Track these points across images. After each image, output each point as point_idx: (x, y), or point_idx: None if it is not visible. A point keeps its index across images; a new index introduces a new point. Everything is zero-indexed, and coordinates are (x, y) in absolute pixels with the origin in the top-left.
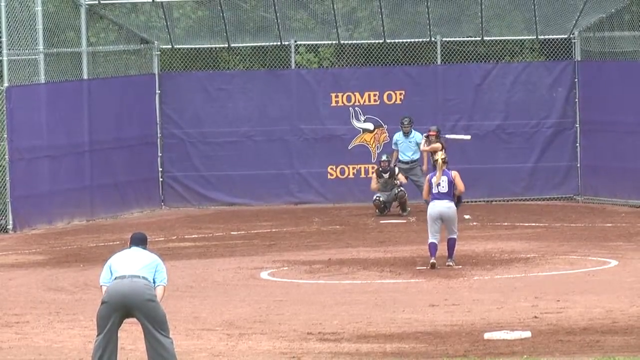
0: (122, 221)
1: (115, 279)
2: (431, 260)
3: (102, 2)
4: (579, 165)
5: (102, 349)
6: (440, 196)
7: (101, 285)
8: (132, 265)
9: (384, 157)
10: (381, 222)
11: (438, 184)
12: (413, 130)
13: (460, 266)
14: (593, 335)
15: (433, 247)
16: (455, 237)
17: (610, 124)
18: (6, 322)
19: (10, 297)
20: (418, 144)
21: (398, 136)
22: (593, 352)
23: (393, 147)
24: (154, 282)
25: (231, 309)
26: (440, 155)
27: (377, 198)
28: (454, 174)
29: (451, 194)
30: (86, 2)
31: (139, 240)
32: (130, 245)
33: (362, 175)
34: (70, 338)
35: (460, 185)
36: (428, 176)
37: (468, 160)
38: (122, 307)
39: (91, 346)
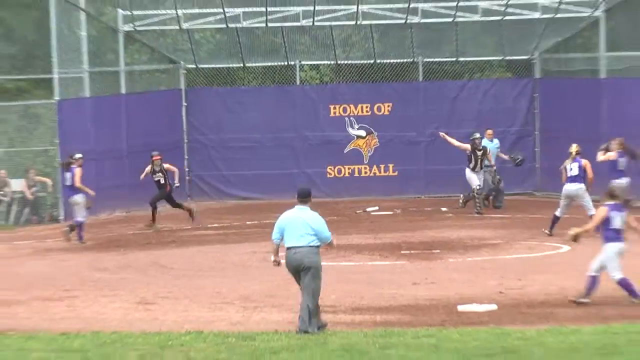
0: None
1: (288, 248)
2: (545, 230)
3: (137, 28)
4: (537, 166)
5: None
6: (572, 179)
7: (272, 240)
8: (297, 235)
9: (477, 135)
10: (372, 214)
11: (570, 169)
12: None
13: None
14: (549, 308)
15: (554, 219)
16: (593, 212)
17: (564, 132)
18: (59, 296)
19: (62, 276)
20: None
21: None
22: (548, 321)
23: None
24: (319, 237)
25: (247, 286)
26: (574, 148)
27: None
28: (585, 162)
29: (582, 176)
30: (123, 28)
31: (303, 196)
32: (297, 199)
33: (356, 174)
34: (113, 310)
35: (589, 171)
36: (564, 164)
37: (447, 161)
38: (295, 270)
39: (131, 316)
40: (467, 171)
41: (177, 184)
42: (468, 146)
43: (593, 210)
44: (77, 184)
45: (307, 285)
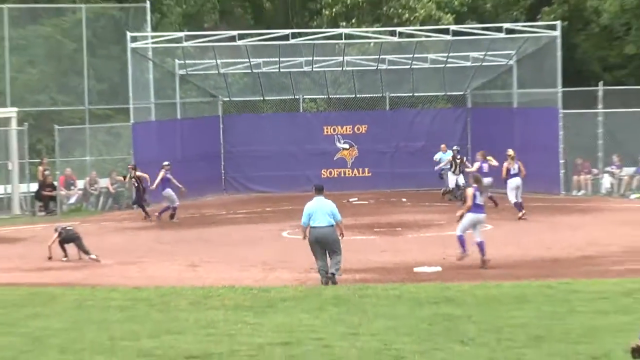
0: (201, 202)
1: (312, 227)
2: (520, 215)
3: (188, 72)
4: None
5: (320, 262)
6: (514, 175)
7: (302, 224)
8: (321, 217)
9: (454, 147)
10: (353, 203)
11: (513, 168)
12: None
13: (399, 227)
14: (477, 270)
15: (517, 205)
16: (520, 201)
17: (488, 146)
18: (132, 262)
19: (134, 247)
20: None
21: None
22: (477, 279)
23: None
24: (334, 218)
25: (265, 253)
26: (512, 152)
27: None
28: (520, 163)
29: (519, 174)
30: (179, 73)
31: (320, 190)
32: (315, 192)
33: (342, 175)
34: (171, 271)
35: (522, 169)
36: (506, 164)
37: (407, 166)
38: (319, 245)
39: (183, 275)
40: (449, 173)
41: (153, 187)
42: (450, 157)
43: (520, 198)
44: (155, 182)
45: (333, 256)
